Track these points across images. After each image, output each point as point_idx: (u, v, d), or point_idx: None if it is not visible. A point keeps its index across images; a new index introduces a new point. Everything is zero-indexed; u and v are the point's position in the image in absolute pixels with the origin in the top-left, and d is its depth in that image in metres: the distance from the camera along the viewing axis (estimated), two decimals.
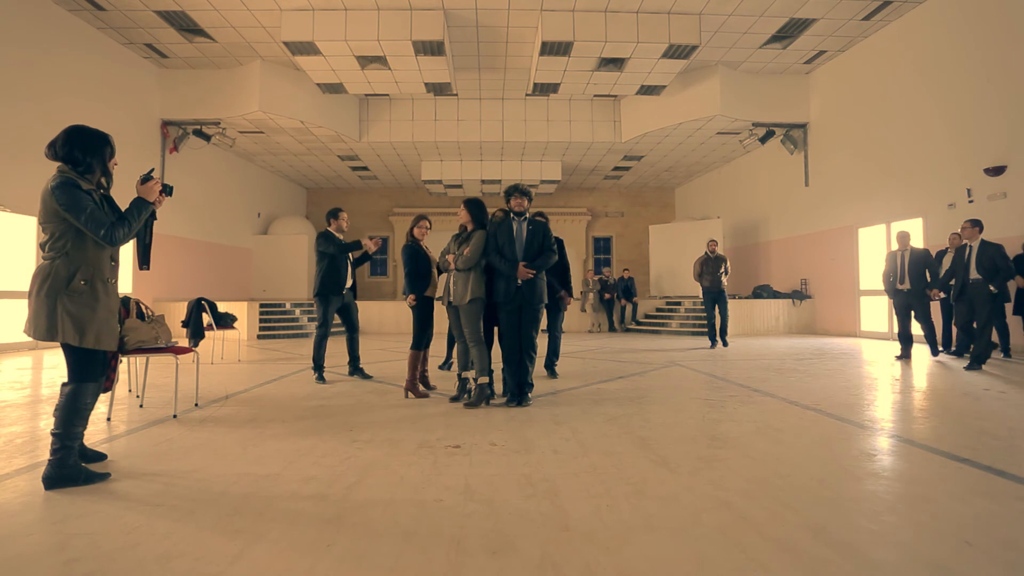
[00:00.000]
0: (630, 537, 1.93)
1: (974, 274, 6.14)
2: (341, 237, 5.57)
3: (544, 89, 11.40)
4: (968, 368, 5.97)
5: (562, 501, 2.27)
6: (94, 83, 9.86)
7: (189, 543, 1.88)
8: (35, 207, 9.11)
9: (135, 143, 10.96)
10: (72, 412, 2.47)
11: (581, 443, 3.17)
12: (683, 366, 6.63)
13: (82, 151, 2.56)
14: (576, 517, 2.11)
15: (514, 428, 3.54)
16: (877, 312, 10.47)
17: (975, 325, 6.41)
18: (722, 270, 8.79)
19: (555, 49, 9.63)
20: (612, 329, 13.06)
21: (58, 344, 2.50)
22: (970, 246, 6.27)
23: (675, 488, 2.42)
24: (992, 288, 5.96)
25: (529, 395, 4.32)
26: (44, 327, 2.44)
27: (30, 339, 8.59)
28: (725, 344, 8.88)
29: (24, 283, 8.59)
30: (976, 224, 6.35)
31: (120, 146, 10.87)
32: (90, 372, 2.53)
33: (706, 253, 9.02)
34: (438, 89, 11.27)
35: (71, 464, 2.45)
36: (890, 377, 5.65)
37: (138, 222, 2.64)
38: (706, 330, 9.59)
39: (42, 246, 2.54)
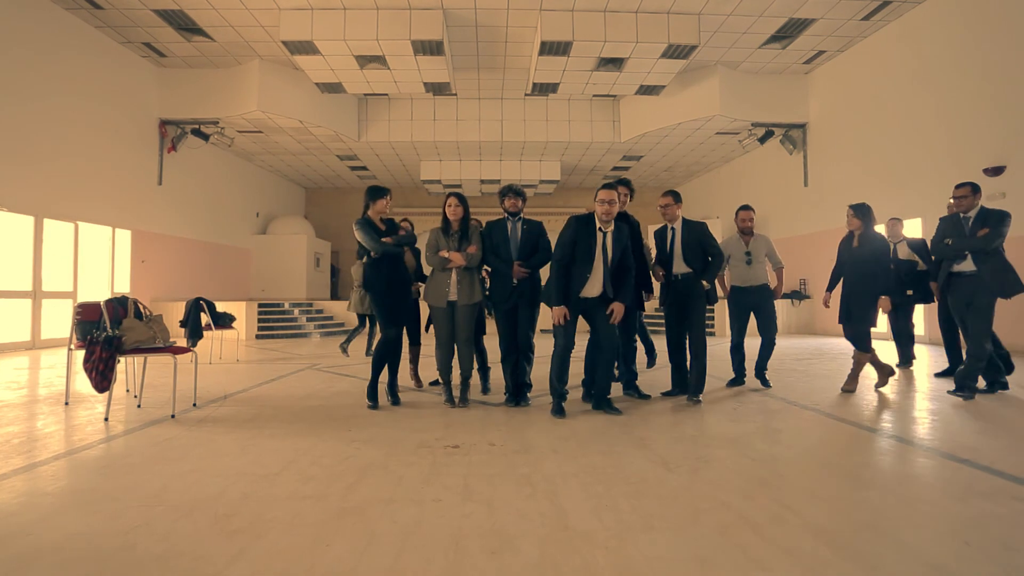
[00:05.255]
0: (629, 537, 1.93)
1: (682, 267, 4.44)
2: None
3: (543, 89, 11.39)
4: (687, 396, 4.36)
5: (561, 501, 2.26)
6: (92, 82, 9.83)
7: (187, 543, 1.88)
8: (34, 206, 9.08)
9: (133, 142, 10.94)
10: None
11: (580, 443, 3.16)
12: None
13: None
14: (575, 517, 2.10)
15: (513, 428, 3.53)
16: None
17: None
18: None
19: (554, 49, 9.62)
20: None
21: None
22: (672, 228, 4.57)
23: (674, 488, 2.42)
24: (705, 284, 4.41)
25: (528, 395, 4.33)
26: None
27: (27, 339, 8.61)
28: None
29: (22, 283, 8.58)
30: (676, 197, 4.56)
31: (118, 145, 10.84)
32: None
33: None
34: (437, 89, 11.25)
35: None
36: (890, 377, 5.65)
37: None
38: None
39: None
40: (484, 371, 4.97)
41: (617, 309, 3.81)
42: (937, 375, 5.58)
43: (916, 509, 2.18)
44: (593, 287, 3.84)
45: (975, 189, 4.54)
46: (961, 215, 4.58)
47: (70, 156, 9.38)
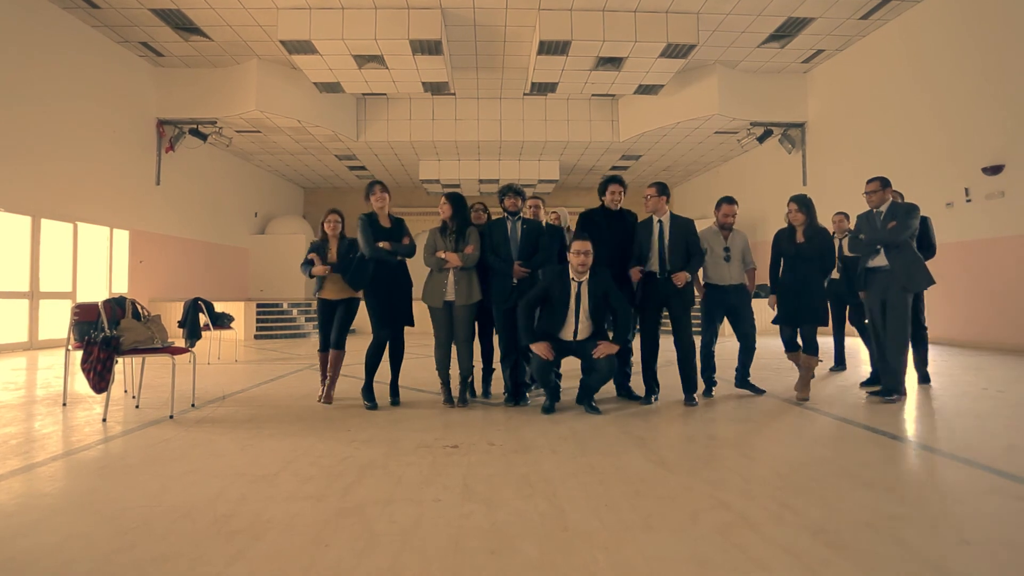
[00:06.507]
0: (629, 537, 1.92)
1: (665, 265, 4.23)
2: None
3: (542, 88, 11.38)
4: (684, 400, 4.26)
5: (560, 501, 2.26)
6: (89, 82, 9.81)
7: (186, 544, 1.87)
8: (31, 206, 9.05)
9: (131, 142, 10.92)
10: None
11: (579, 443, 3.16)
12: None
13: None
14: (575, 517, 2.10)
15: (512, 428, 3.53)
16: None
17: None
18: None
19: (553, 48, 9.61)
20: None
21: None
22: (659, 222, 4.29)
23: (674, 488, 2.41)
24: (687, 276, 4.20)
25: (528, 394, 4.32)
26: None
27: (25, 340, 8.59)
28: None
29: (19, 284, 8.56)
30: (660, 189, 4.31)
31: (116, 146, 10.79)
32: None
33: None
34: (435, 88, 11.24)
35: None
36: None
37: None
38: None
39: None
40: (488, 371, 4.69)
41: (603, 348, 3.81)
42: (863, 384, 5.01)
43: (916, 508, 2.18)
44: (568, 331, 3.94)
45: (884, 184, 4.48)
46: (874, 210, 4.49)
47: (67, 156, 9.36)
